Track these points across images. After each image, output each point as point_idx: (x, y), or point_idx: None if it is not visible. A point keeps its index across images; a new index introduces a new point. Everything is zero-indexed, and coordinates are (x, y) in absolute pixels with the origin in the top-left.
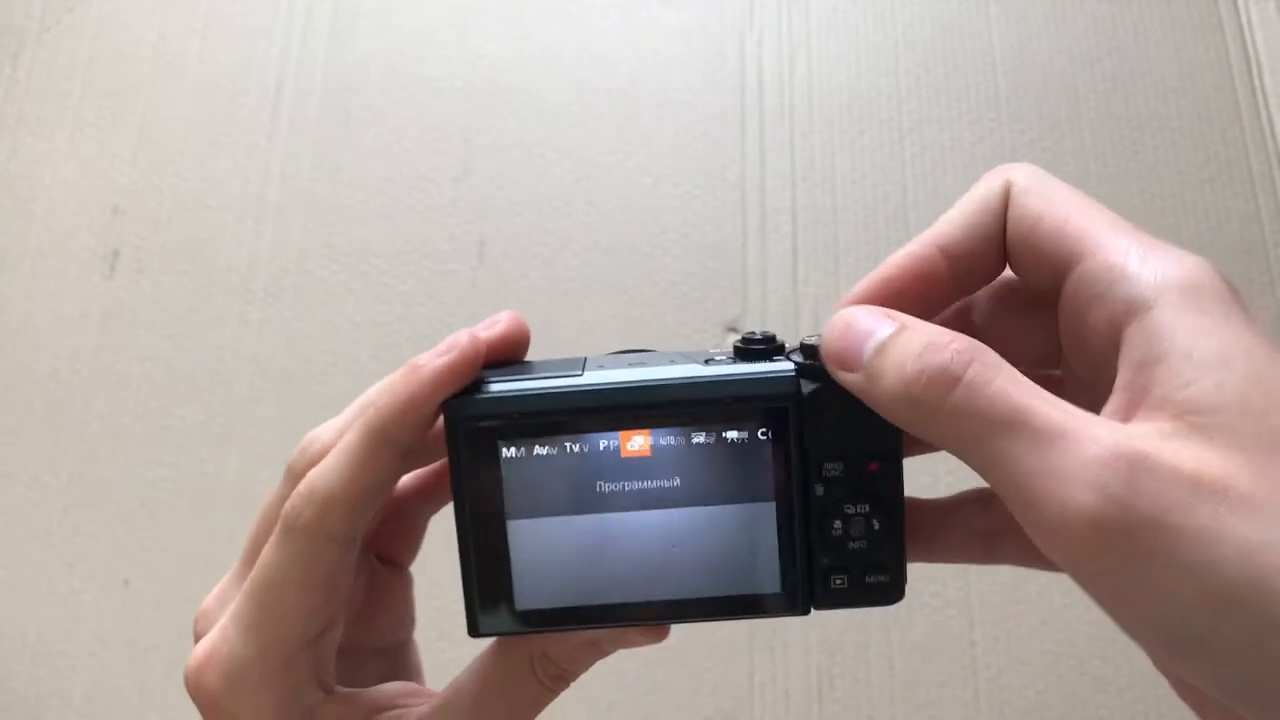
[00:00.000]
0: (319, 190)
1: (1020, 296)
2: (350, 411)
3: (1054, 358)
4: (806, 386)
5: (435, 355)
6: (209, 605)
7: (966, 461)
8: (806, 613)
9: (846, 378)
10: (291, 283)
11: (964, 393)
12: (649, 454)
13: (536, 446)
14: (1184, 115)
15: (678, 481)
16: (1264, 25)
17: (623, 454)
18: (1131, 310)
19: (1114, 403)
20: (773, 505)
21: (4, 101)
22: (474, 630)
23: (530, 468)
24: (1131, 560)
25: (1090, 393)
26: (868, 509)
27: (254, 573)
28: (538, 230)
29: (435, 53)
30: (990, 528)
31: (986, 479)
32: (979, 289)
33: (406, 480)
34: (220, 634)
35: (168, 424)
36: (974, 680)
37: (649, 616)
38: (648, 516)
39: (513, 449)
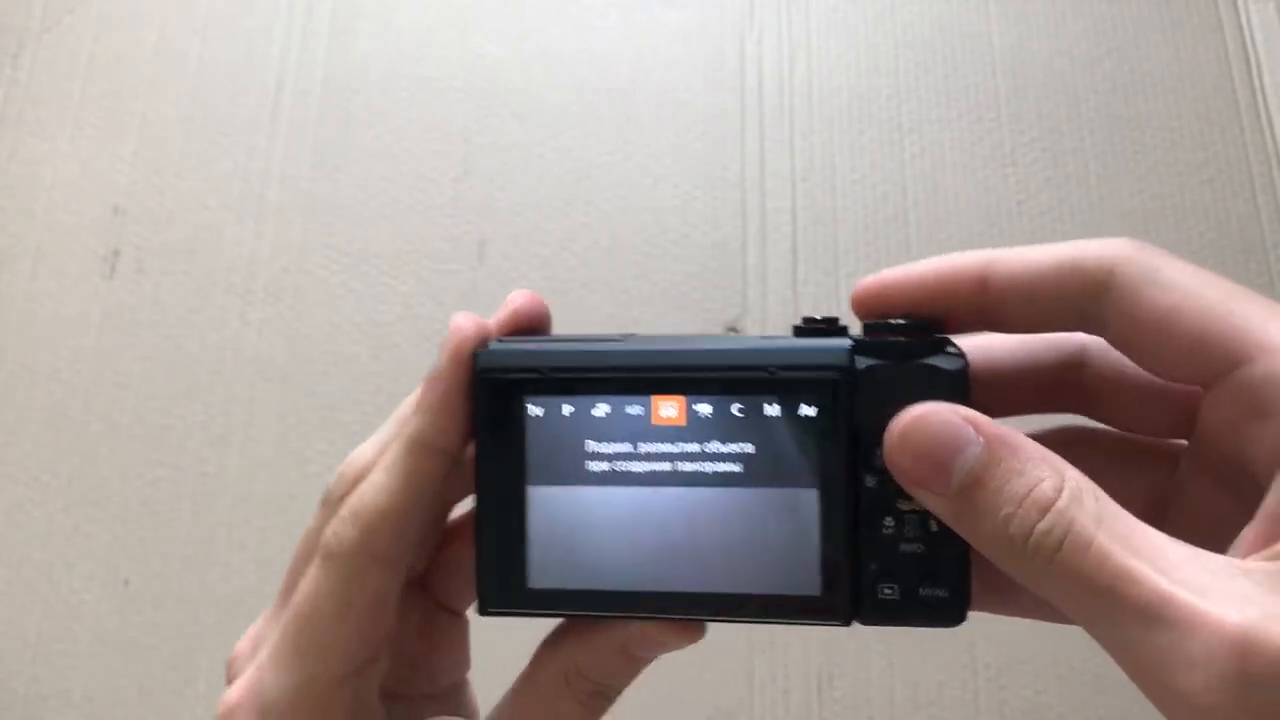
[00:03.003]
0: (319, 190)
1: (1140, 376)
2: (387, 429)
3: (1178, 431)
4: (862, 362)
5: (442, 349)
6: (241, 649)
7: (1069, 617)
8: (849, 623)
9: (928, 499)
10: (291, 283)
11: (1062, 557)
12: (683, 424)
13: (564, 405)
14: (1184, 115)
15: (711, 458)
16: (1264, 26)
17: (654, 421)
18: None
19: (1253, 529)
20: (815, 494)
21: (4, 102)
22: (482, 607)
23: (556, 429)
24: None
25: (1224, 478)
26: (924, 507)
27: (292, 604)
28: (538, 230)
29: (435, 53)
30: (1005, 581)
31: (1094, 638)
32: (1027, 329)
33: (463, 518)
34: (255, 673)
35: (168, 424)
36: (974, 680)
37: (673, 610)
38: (676, 495)
39: (539, 407)
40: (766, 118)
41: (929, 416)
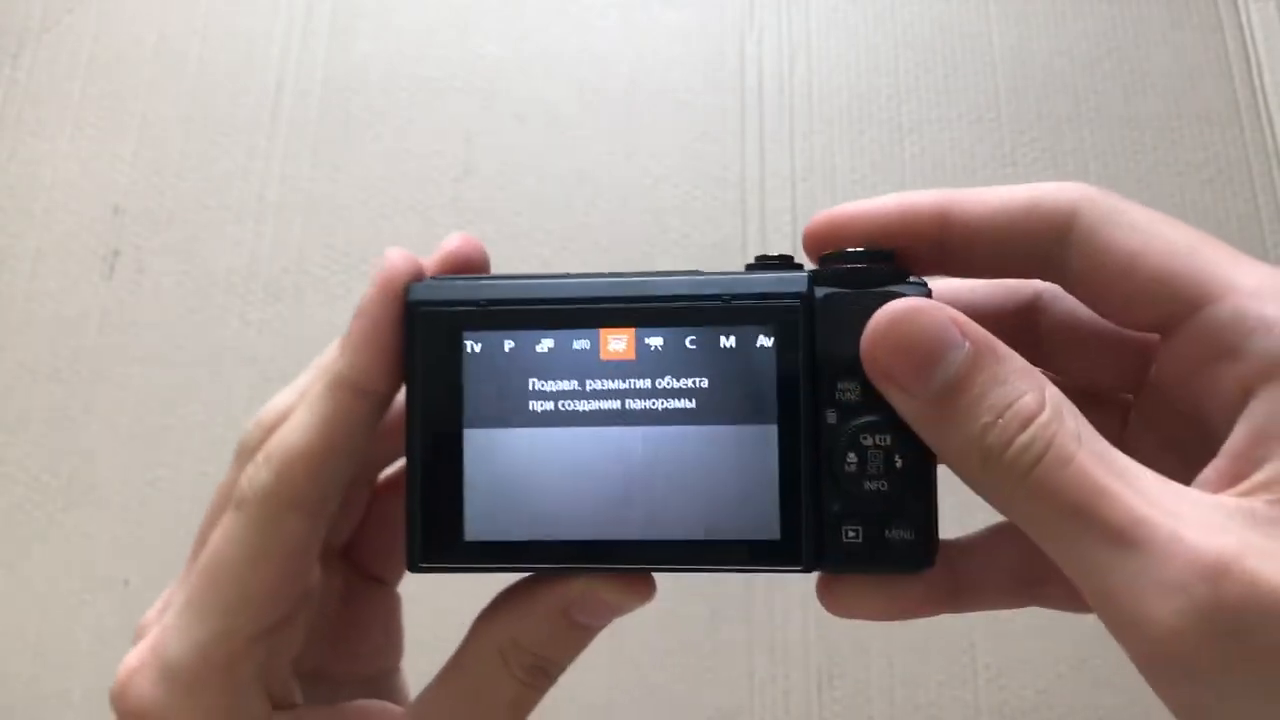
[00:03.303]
0: (319, 190)
1: (1095, 324)
2: (309, 373)
3: (1128, 384)
4: (821, 291)
5: (370, 282)
6: (149, 616)
7: (1036, 542)
8: (810, 570)
9: (898, 399)
10: (291, 283)
11: (1039, 476)
12: (632, 358)
13: (506, 341)
14: (1184, 115)
15: (663, 394)
16: (1264, 25)
17: (602, 356)
18: (1272, 372)
19: (1216, 467)
20: (774, 430)
21: (4, 101)
22: (412, 563)
23: (495, 366)
24: (1224, 690)
25: (1172, 437)
26: (888, 440)
27: (201, 557)
28: (538, 230)
29: (435, 53)
30: (1036, 573)
31: (1057, 563)
32: (975, 275)
33: (391, 477)
34: (159, 633)
35: (168, 424)
36: (974, 680)
37: (623, 560)
38: (627, 434)
39: (477, 343)
40: (766, 118)
41: (918, 311)
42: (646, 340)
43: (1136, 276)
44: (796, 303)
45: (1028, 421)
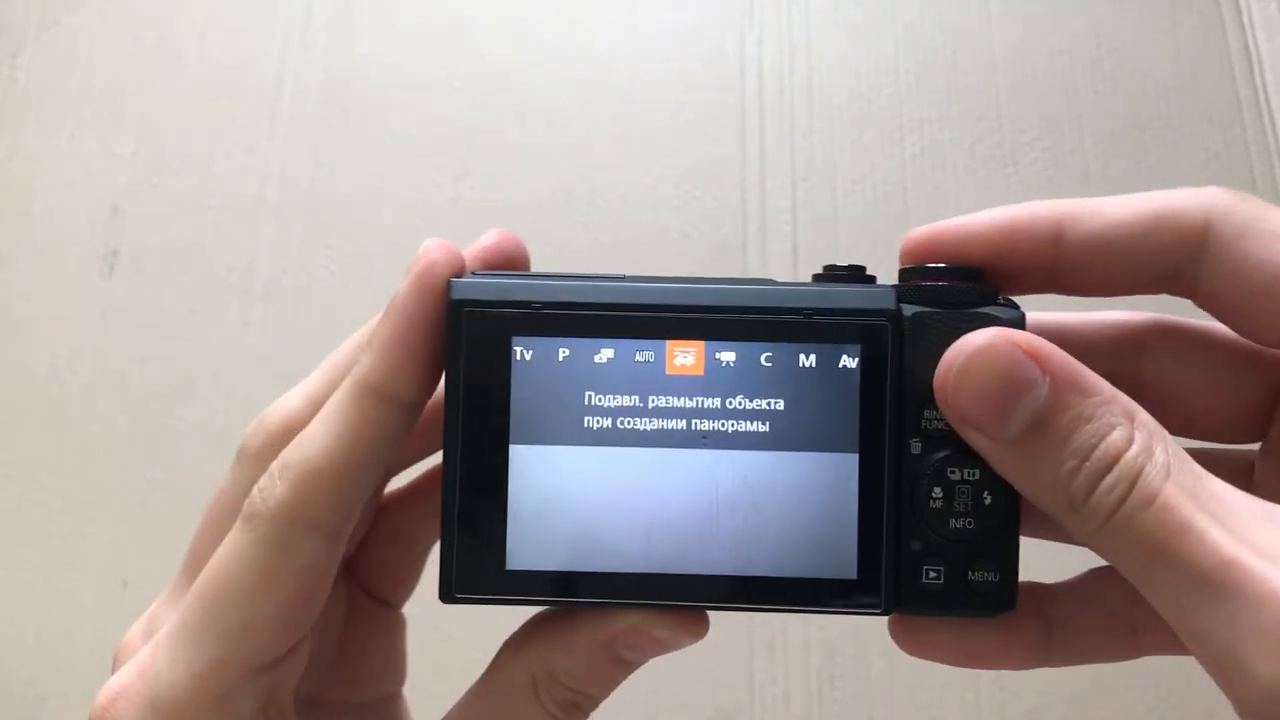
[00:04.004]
0: (319, 190)
1: (1221, 351)
2: (320, 371)
3: (1255, 428)
4: (910, 309)
5: (406, 274)
6: (131, 638)
7: (1128, 579)
8: (888, 613)
9: (978, 441)
10: (291, 283)
11: (1125, 514)
12: (701, 373)
13: (560, 349)
14: (1185, 115)
15: (734, 415)
16: (1265, 25)
17: (668, 370)
18: None
19: None
20: (854, 459)
21: (3, 101)
22: (446, 593)
23: (547, 377)
24: None
25: None
26: (977, 475)
27: (202, 575)
28: (538, 230)
29: (435, 53)
30: (1138, 619)
31: (1152, 604)
32: (1091, 292)
33: (399, 493)
34: (149, 654)
35: (167, 424)
36: (975, 681)
37: (682, 596)
38: (691, 457)
39: (528, 350)
40: (766, 118)
41: (990, 350)
42: (717, 355)
43: (1277, 288)
44: (885, 322)
45: (1114, 462)
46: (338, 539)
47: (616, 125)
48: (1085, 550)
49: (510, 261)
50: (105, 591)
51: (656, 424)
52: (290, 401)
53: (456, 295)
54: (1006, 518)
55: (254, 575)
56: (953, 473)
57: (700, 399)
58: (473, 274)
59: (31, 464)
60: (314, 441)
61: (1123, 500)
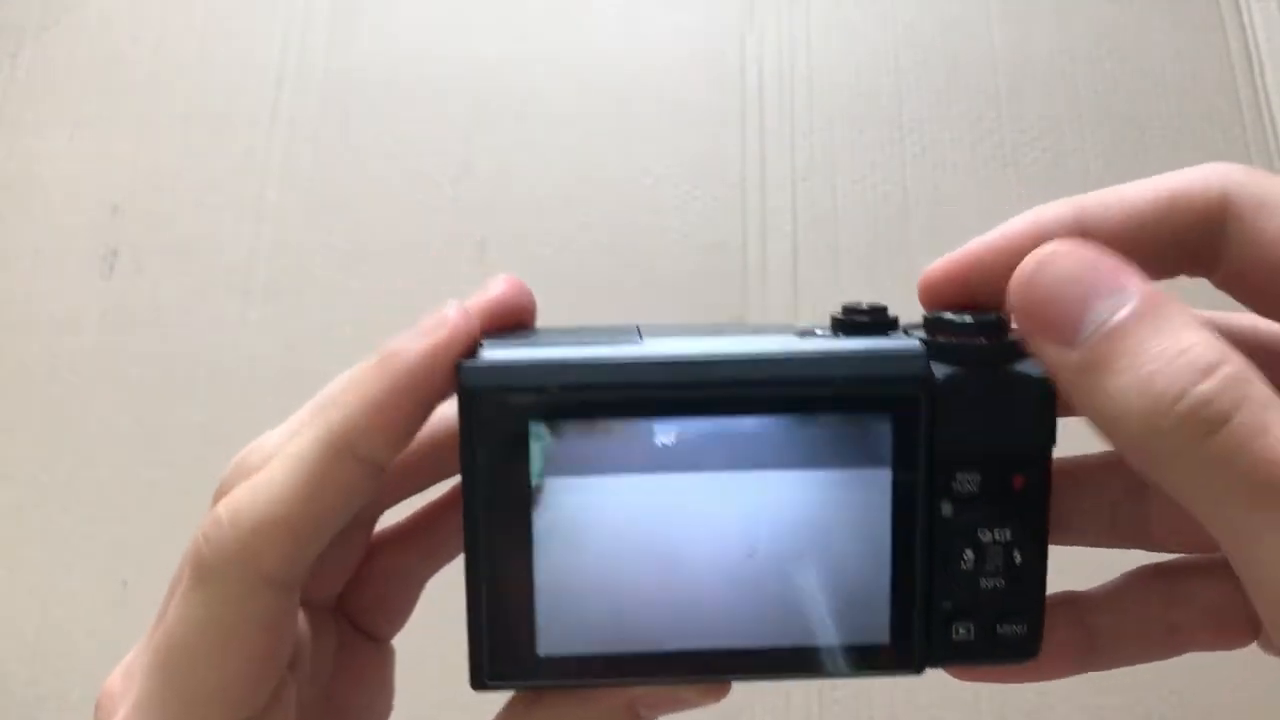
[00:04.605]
0: (319, 190)
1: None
2: (304, 411)
3: None
4: (940, 370)
5: (418, 335)
6: (111, 685)
7: (1197, 517)
8: (920, 672)
9: (1051, 351)
10: (291, 283)
11: (1226, 441)
12: (728, 445)
13: (579, 433)
14: (1185, 115)
15: (763, 485)
16: (1266, 25)
17: (693, 444)
18: None
19: None
20: (886, 524)
21: (3, 100)
22: (478, 681)
23: (567, 455)
24: None
25: None
26: (1009, 536)
27: (158, 639)
28: (538, 230)
29: (435, 53)
30: (1180, 620)
31: (1225, 550)
32: None
33: (394, 530)
34: None
35: (167, 424)
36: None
37: (721, 670)
38: (721, 530)
39: (548, 434)
40: (766, 118)
41: (1074, 252)
42: (744, 426)
43: None
44: (918, 389)
45: (1209, 371)
46: (293, 589)
47: (616, 125)
48: (1113, 558)
49: (519, 314)
50: (105, 591)
51: (683, 497)
52: (269, 443)
53: (470, 382)
54: (1035, 573)
55: (211, 637)
56: (984, 534)
57: (727, 470)
58: (483, 340)
59: (32, 464)
60: (270, 490)
61: (1225, 419)
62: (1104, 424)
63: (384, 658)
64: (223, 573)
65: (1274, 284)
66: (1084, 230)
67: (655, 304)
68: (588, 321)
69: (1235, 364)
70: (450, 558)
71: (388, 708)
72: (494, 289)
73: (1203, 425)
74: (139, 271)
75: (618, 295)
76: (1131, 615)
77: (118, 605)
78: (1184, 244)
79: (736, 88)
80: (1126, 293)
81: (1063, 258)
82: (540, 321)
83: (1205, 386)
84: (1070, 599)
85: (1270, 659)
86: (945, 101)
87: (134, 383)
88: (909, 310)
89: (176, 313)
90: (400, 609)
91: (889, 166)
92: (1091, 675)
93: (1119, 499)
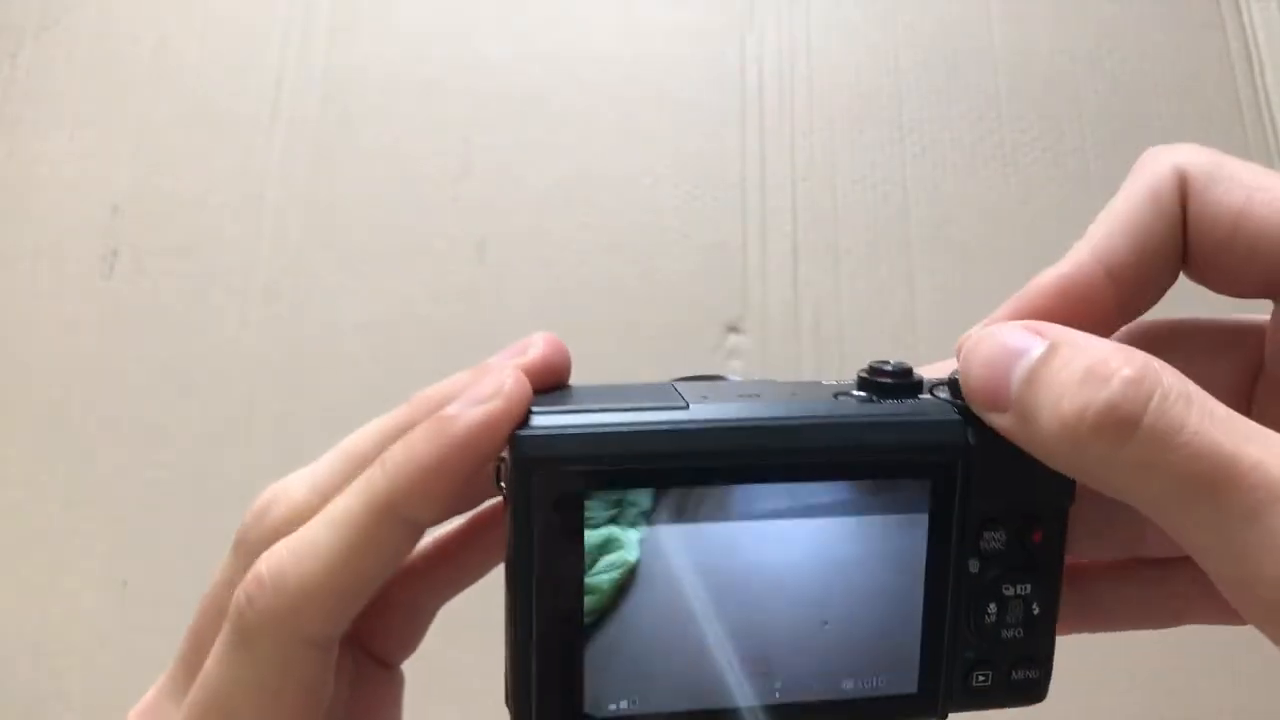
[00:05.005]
0: (319, 190)
1: (1200, 338)
2: (333, 462)
3: (1246, 387)
4: (973, 435)
5: (472, 402)
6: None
7: (1154, 519)
8: (942, 717)
9: (995, 419)
10: (291, 283)
11: (1145, 440)
12: (770, 508)
13: (628, 498)
14: (1186, 115)
15: (804, 544)
16: (1266, 25)
17: (739, 510)
18: None
19: None
20: (920, 582)
21: (2, 101)
22: None
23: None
24: None
25: None
26: (1028, 590)
27: (196, 691)
28: (538, 230)
29: (435, 53)
30: (1178, 591)
31: (1180, 543)
32: (1147, 309)
33: (410, 559)
34: None
35: (167, 424)
36: None
37: None
38: (763, 585)
39: (598, 503)
40: (766, 118)
41: (993, 330)
42: (789, 492)
43: (1240, 236)
44: (956, 458)
45: (1108, 378)
46: (333, 648)
47: (617, 126)
48: None
49: (558, 374)
50: (105, 591)
51: (729, 561)
52: (296, 494)
53: (526, 452)
54: (1050, 621)
55: (254, 699)
56: (1007, 589)
57: (771, 529)
58: (533, 410)
59: (32, 464)
60: (316, 553)
61: (1135, 422)
62: (1050, 461)
63: (395, 683)
64: (267, 635)
65: (1224, 257)
66: (1113, 273)
67: (655, 304)
68: (590, 322)
69: (1136, 365)
70: (463, 587)
71: None
72: (536, 350)
73: (1115, 431)
74: (139, 272)
75: (617, 295)
76: (1129, 588)
77: (118, 605)
78: (1167, 238)
79: (736, 88)
80: (1035, 344)
81: (981, 341)
82: (541, 323)
83: (1105, 394)
84: (1070, 565)
85: (1271, 659)
86: (945, 101)
87: (134, 383)
88: (910, 310)
89: (176, 313)
90: (412, 636)
91: (889, 166)
92: (1092, 675)
93: (1109, 514)
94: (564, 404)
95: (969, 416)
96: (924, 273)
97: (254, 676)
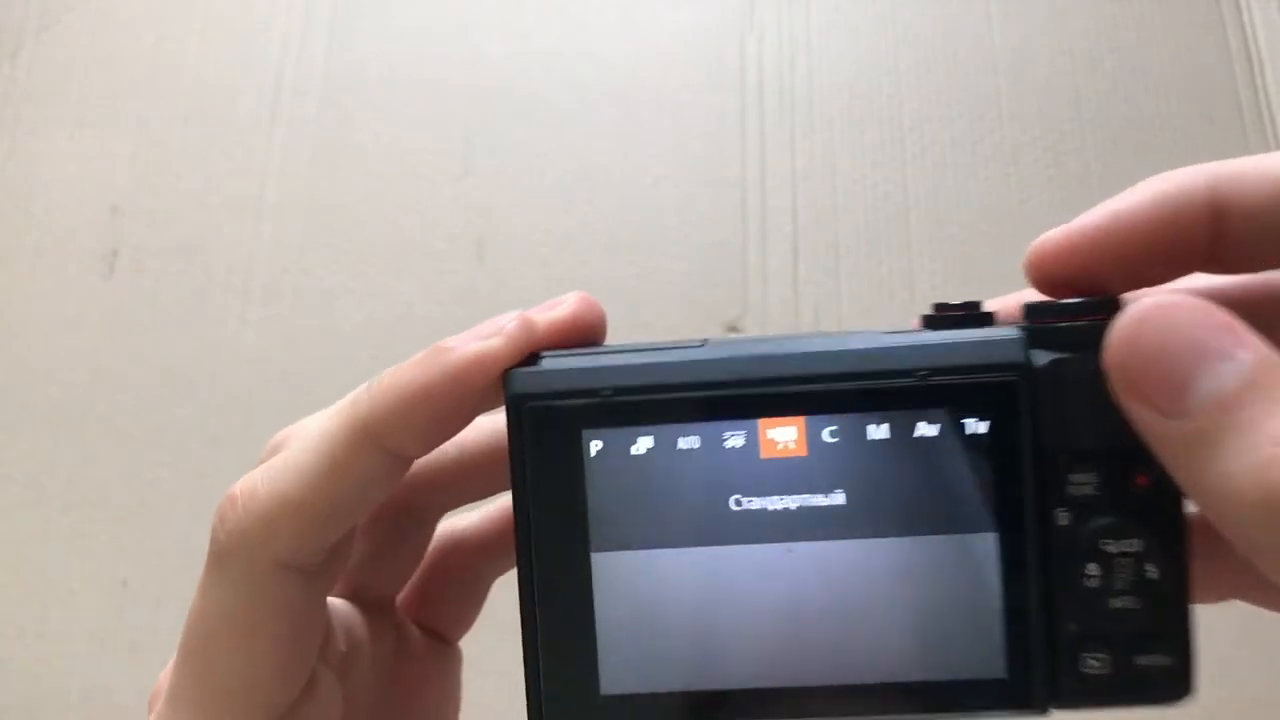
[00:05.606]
0: (319, 190)
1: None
2: (343, 401)
3: None
4: (1041, 356)
5: (472, 337)
6: (161, 680)
7: None
8: (1045, 712)
9: (1145, 415)
10: (291, 283)
11: None
12: (804, 454)
13: (638, 440)
14: (1186, 115)
15: (843, 498)
16: (1266, 25)
17: (764, 453)
18: None
19: None
20: (992, 538)
21: (3, 101)
22: None
23: (626, 472)
24: None
25: None
26: (1139, 547)
27: (184, 632)
28: (538, 230)
29: (435, 53)
30: (1231, 565)
31: None
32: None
33: (464, 530)
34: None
35: (167, 424)
36: None
37: (804, 712)
38: (801, 551)
39: (603, 444)
40: (766, 118)
41: (1176, 309)
42: (819, 432)
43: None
44: (1015, 377)
45: None
46: (313, 576)
47: (616, 125)
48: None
49: (591, 333)
50: (105, 591)
51: (757, 516)
52: (305, 428)
53: (516, 389)
54: (1177, 591)
55: (229, 624)
56: (1109, 544)
57: (804, 483)
58: (544, 354)
59: (31, 464)
60: (287, 471)
61: None
62: (1208, 503)
63: (451, 660)
64: (236, 556)
65: (1256, 233)
66: (1223, 211)
67: (655, 304)
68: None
69: None
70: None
71: (455, 711)
72: (564, 306)
73: None
74: (139, 272)
75: (618, 295)
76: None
77: (118, 605)
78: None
79: (736, 88)
80: (1238, 358)
81: (1171, 312)
82: None
83: None
84: None
85: (1270, 660)
86: (945, 101)
87: (134, 383)
88: (910, 310)
89: (176, 313)
90: (467, 610)
91: (889, 166)
92: None
93: None
94: (579, 353)
95: (1036, 337)
96: (924, 273)
97: (229, 599)
